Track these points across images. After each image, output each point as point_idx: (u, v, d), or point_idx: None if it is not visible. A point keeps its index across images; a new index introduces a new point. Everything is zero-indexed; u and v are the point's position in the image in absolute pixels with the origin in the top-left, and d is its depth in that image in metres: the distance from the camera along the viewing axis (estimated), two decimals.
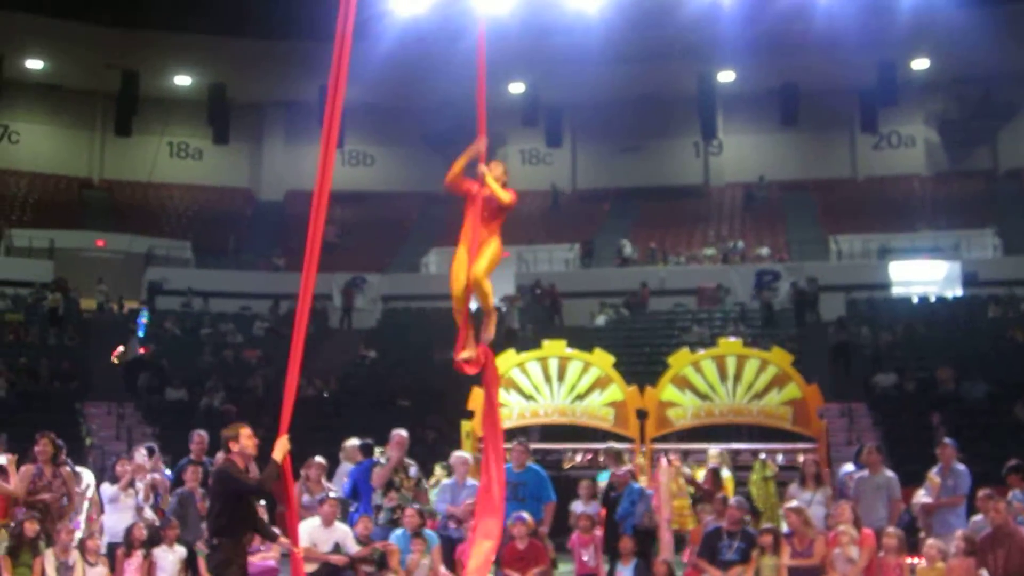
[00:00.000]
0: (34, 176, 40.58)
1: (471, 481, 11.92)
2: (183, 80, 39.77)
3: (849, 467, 13.39)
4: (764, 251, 35.38)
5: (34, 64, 37.80)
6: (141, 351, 29.72)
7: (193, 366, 29.44)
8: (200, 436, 12.59)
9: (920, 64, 37.22)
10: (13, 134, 40.69)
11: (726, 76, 38.51)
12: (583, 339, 21.88)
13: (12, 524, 11.08)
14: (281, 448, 7.81)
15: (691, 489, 14.54)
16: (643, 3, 31.53)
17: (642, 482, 13.90)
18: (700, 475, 14.75)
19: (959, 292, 32.15)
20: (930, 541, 10.75)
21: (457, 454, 12.86)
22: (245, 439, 8.10)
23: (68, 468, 11.73)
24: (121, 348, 30.33)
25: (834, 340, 28.02)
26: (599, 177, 42.69)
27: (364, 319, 34.61)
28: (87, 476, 12.46)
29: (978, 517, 10.83)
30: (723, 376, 16.25)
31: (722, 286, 33.14)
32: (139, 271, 35.67)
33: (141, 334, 31.46)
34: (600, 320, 32.12)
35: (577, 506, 12.93)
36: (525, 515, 11.39)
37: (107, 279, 34.23)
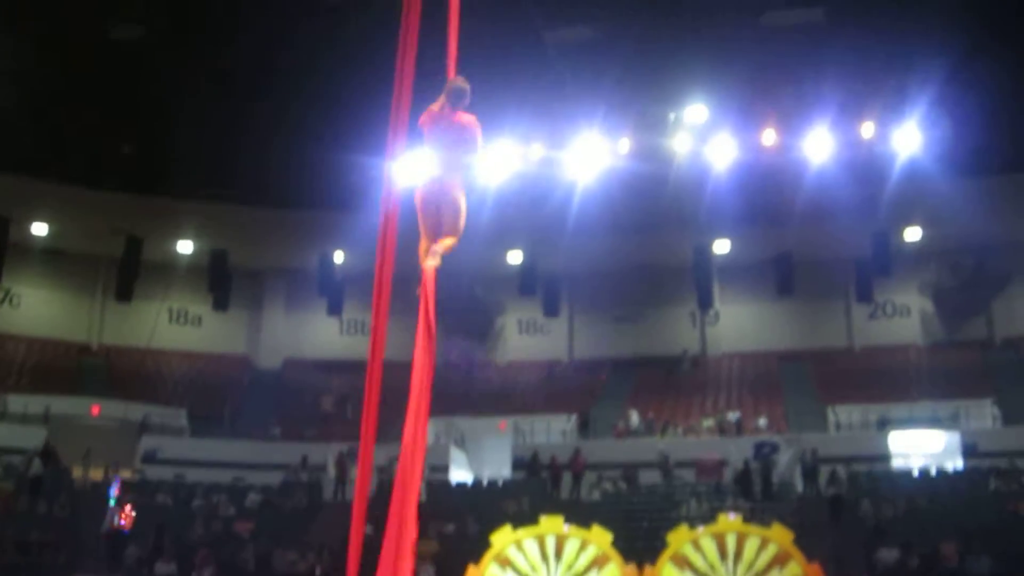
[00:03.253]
0: (33, 341, 40.55)
1: None
2: (185, 246, 40.10)
3: None
4: (762, 422, 35.15)
5: (39, 229, 38.16)
6: (122, 522, 29.02)
7: (184, 538, 28.84)
8: None
9: (913, 234, 37.69)
10: (15, 297, 40.85)
11: (721, 246, 38.96)
12: (580, 513, 21.55)
13: None
14: None
15: None
16: (638, 175, 32.12)
17: None
18: None
19: (960, 464, 31.80)
20: None
21: None
22: None
23: None
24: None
25: (834, 513, 27.60)
26: (596, 347, 42.73)
27: None
28: None
29: None
30: (723, 555, 15.94)
31: (723, 460, 32.77)
32: (134, 439, 35.31)
33: (111, 503, 30.80)
34: (596, 495, 31.71)
35: None
36: None
37: (101, 447, 33.83)
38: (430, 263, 7.69)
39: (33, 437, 33.20)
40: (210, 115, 29.75)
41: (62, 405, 35.38)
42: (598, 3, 25.34)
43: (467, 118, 7.84)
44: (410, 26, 7.82)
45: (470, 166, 8.03)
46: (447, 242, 7.77)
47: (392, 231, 7.93)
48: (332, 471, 33.80)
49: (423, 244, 7.82)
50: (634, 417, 36.04)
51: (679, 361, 41.13)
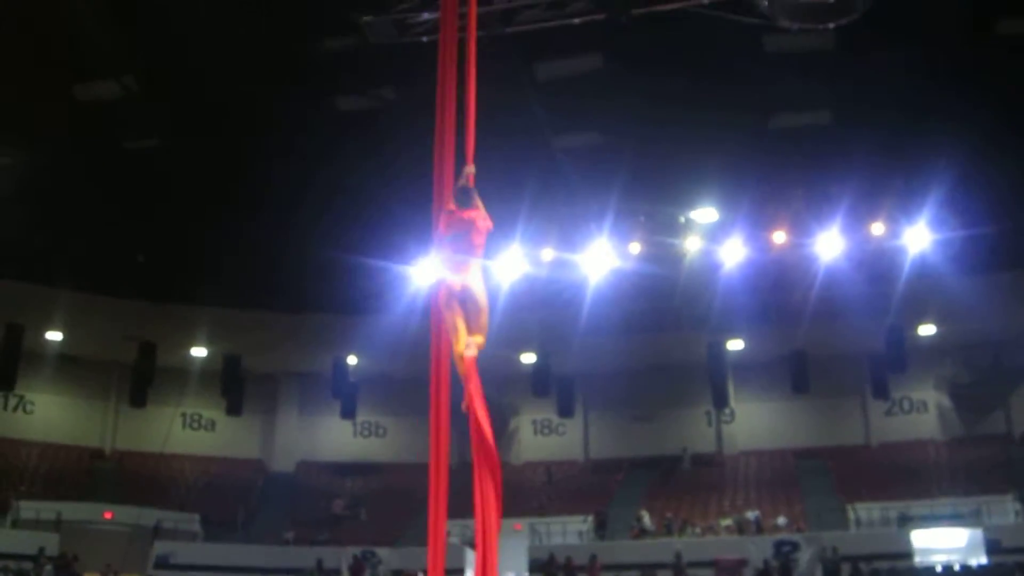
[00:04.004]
0: (46, 447, 40.47)
1: None
2: (199, 352, 40.21)
3: None
4: (781, 521, 34.79)
5: (53, 336, 38.24)
6: None
7: None
8: None
9: (927, 330, 37.63)
10: (28, 404, 40.89)
11: (735, 345, 38.96)
12: None
13: None
14: None
15: None
16: (650, 276, 32.29)
17: None
18: None
19: (983, 560, 31.35)
20: None
21: None
22: None
23: None
24: None
25: None
26: (612, 447, 42.51)
27: None
28: None
29: None
30: None
31: (742, 559, 32.39)
32: (146, 544, 35.04)
33: None
34: None
35: None
36: None
37: (114, 552, 33.59)
38: (469, 353, 7.70)
39: (45, 543, 33.00)
40: (223, 222, 30.11)
41: (74, 511, 35.25)
42: (605, 108, 25.69)
43: (475, 214, 7.95)
44: (446, 120, 7.97)
45: (483, 264, 8.11)
46: (478, 339, 7.82)
47: (442, 327, 8.03)
48: (345, 575, 33.54)
49: (457, 340, 7.82)
50: (646, 518, 35.68)
51: (679, 460, 40.89)
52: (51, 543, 33.12)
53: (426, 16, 18.25)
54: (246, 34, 22.23)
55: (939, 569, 31.43)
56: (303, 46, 23.03)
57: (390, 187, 26.75)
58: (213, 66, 23.15)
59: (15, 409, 40.53)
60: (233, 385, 39.56)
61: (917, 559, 31.97)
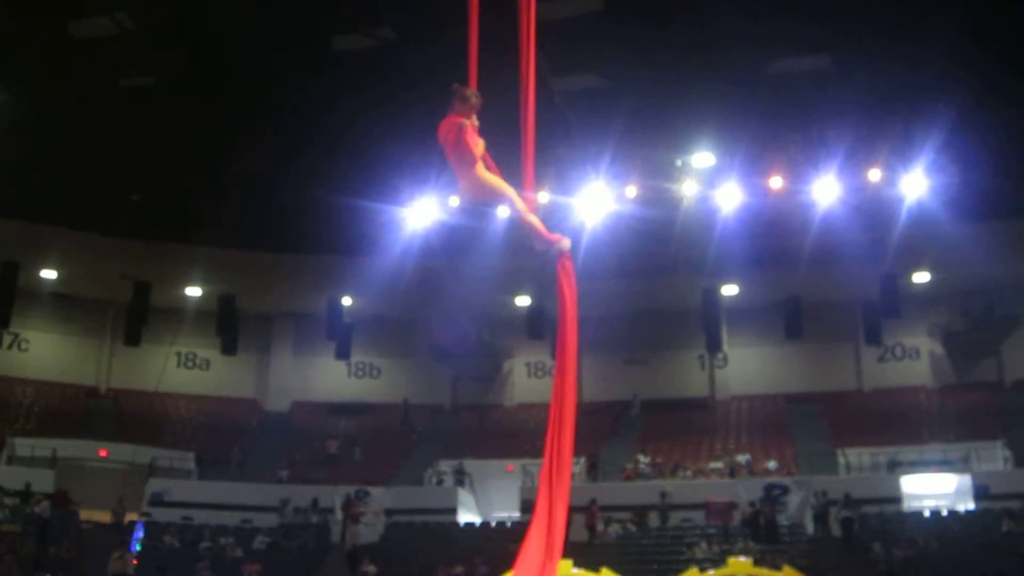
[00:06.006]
0: (40, 384, 40.65)
1: None
2: (194, 291, 40.19)
3: None
4: (772, 465, 35.07)
5: (48, 274, 38.22)
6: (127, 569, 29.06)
7: None
8: None
9: (921, 277, 37.72)
10: (23, 342, 40.96)
11: (729, 290, 39.03)
12: (590, 555, 21.47)
13: None
14: None
15: None
16: (646, 219, 32.26)
17: None
18: None
19: (971, 506, 31.67)
20: None
21: None
22: None
23: None
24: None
25: (845, 556, 27.48)
26: (605, 390, 42.65)
27: (366, 533, 34.03)
28: None
29: None
30: None
31: (732, 502, 32.68)
32: (141, 482, 35.33)
33: (137, 548, 30.91)
34: (606, 537, 31.56)
35: None
36: None
37: (108, 489, 33.88)
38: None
39: (40, 479, 33.25)
40: (218, 161, 30.00)
41: (70, 448, 35.48)
42: (604, 51, 25.51)
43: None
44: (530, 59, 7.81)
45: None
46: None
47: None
48: (339, 514, 33.84)
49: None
50: (643, 460, 35.98)
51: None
52: (46, 480, 33.37)
53: None
54: None
55: (927, 514, 31.75)
56: None
57: (386, 128, 26.64)
58: (208, 4, 22.95)
59: (10, 347, 40.60)
60: (228, 325, 39.52)
61: (906, 504, 32.30)
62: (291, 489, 35.57)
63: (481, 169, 7.66)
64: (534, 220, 7.68)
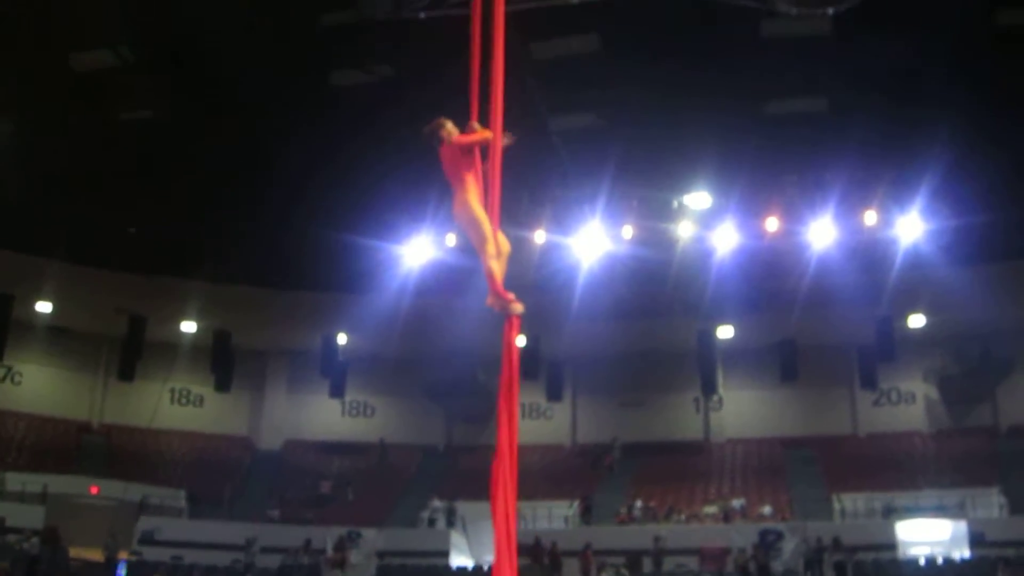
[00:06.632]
0: (33, 418, 40.32)
1: None
2: (189, 326, 40.04)
3: None
4: (767, 510, 34.83)
5: (43, 307, 38.07)
6: None
7: None
8: None
9: (917, 321, 37.65)
10: (16, 375, 40.72)
11: (725, 332, 38.93)
12: None
13: None
14: None
15: None
16: (642, 260, 32.25)
17: None
18: None
19: (967, 553, 31.42)
20: None
21: None
22: None
23: None
24: None
25: None
26: (599, 432, 42.47)
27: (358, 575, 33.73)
28: None
29: None
30: None
31: (726, 547, 32.40)
32: (132, 519, 34.97)
33: None
34: None
35: None
36: None
37: (98, 527, 33.53)
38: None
39: (31, 516, 32.93)
40: (215, 197, 30.00)
41: (61, 484, 35.19)
42: (601, 91, 25.60)
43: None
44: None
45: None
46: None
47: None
48: (331, 554, 33.49)
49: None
50: (638, 504, 35.76)
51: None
52: (36, 516, 33.04)
53: None
54: (242, 6, 22.09)
55: (922, 562, 31.48)
56: (300, 19, 22.90)
57: (384, 165, 26.66)
58: (208, 39, 23.00)
59: (3, 380, 40.33)
60: (222, 361, 39.37)
61: (901, 551, 32.04)
62: (282, 529, 35.23)
63: (472, 197, 7.68)
64: (495, 269, 7.58)
